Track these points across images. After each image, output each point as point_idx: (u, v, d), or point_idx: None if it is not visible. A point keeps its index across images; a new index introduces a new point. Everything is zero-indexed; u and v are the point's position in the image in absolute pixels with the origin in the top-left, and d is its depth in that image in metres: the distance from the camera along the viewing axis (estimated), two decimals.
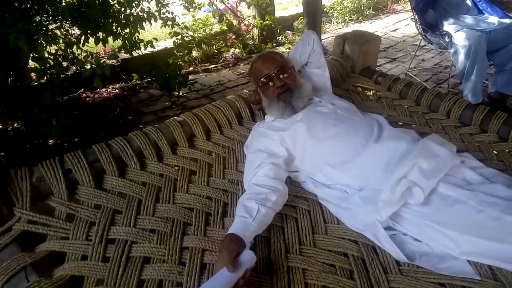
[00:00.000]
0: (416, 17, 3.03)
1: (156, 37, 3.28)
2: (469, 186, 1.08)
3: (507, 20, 2.67)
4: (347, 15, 5.29)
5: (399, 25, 4.81)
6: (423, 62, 3.71)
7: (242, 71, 3.72)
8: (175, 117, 1.42)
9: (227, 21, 3.78)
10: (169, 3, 2.78)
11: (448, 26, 2.73)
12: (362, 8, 5.44)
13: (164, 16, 2.70)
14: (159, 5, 2.64)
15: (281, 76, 1.37)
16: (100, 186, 1.16)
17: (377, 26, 4.96)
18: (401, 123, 1.63)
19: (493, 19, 2.71)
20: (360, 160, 1.18)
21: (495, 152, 1.44)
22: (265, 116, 1.50)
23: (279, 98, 1.36)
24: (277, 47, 4.20)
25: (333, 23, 5.30)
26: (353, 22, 5.25)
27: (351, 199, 1.15)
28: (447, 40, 2.71)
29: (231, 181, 1.27)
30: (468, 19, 2.74)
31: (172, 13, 2.80)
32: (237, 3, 3.81)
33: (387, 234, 1.05)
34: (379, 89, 1.84)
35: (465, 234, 1.01)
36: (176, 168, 1.27)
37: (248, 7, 3.66)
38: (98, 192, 1.13)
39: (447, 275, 0.97)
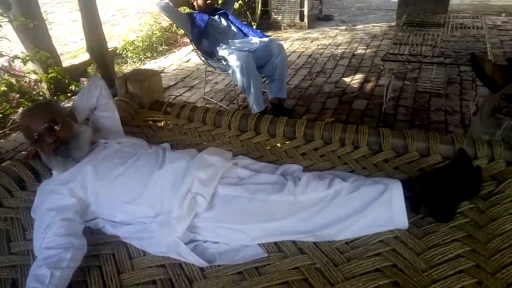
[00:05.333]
0: (196, 47, 3.37)
1: None
2: (242, 181, 1.27)
3: (265, 39, 3.23)
4: (141, 53, 5.42)
5: (191, 55, 5.21)
6: (216, 85, 4.12)
7: None
8: None
9: (4, 82, 3.39)
10: None
11: (222, 51, 3.13)
12: (154, 45, 5.67)
13: None
14: None
15: (55, 127, 1.32)
16: None
17: (172, 60, 5.25)
18: (192, 145, 1.78)
19: (256, 40, 3.24)
20: (150, 189, 1.25)
21: (268, 148, 1.73)
22: (52, 172, 1.42)
23: (56, 153, 1.31)
24: (73, 97, 3.97)
25: (129, 63, 5.36)
26: (148, 59, 5.41)
27: (150, 228, 1.20)
28: (224, 63, 3.10)
29: (19, 254, 1.15)
30: (237, 43, 3.20)
31: None
32: (10, 61, 3.46)
33: (189, 247, 1.15)
34: (169, 119, 1.97)
35: (248, 223, 1.18)
36: None
37: (25, 64, 3.37)
38: None
39: (243, 263, 1.11)
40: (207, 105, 3.52)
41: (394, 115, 3.08)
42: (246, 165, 1.38)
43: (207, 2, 3.31)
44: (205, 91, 3.82)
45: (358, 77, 3.98)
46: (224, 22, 3.35)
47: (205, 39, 3.28)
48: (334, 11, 7.63)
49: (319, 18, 6.99)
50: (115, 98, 2.01)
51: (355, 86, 3.75)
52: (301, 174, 1.30)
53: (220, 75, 4.33)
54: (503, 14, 6.54)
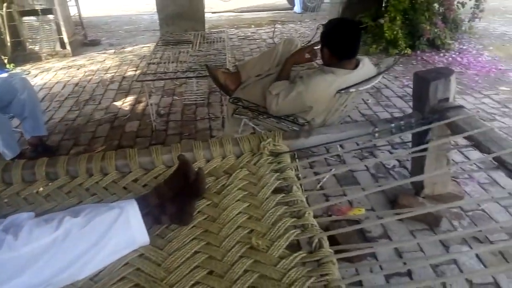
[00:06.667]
0: None
1: None
2: None
3: (4, 75, 2.83)
4: None
5: None
6: None
7: None
8: None
9: None
10: None
11: None
12: None
13: None
14: None
15: None
16: None
17: None
18: None
19: None
20: None
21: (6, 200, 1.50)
22: None
23: None
24: None
25: None
26: None
27: None
28: None
29: None
30: None
31: None
32: None
33: None
34: None
35: None
36: None
37: None
38: None
39: None
40: None
41: (166, 131, 3.20)
42: None
43: None
44: None
45: (129, 99, 3.96)
46: None
47: None
48: (101, 35, 7.39)
49: (85, 44, 6.65)
50: None
51: (126, 108, 3.71)
52: (28, 222, 1.17)
53: None
54: (253, 26, 7.73)
